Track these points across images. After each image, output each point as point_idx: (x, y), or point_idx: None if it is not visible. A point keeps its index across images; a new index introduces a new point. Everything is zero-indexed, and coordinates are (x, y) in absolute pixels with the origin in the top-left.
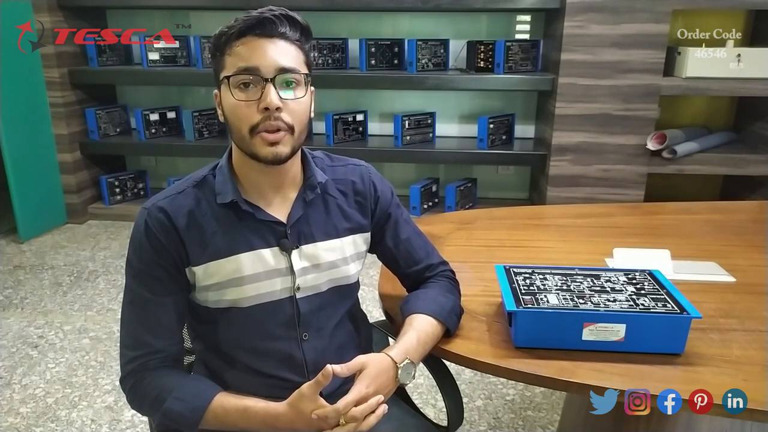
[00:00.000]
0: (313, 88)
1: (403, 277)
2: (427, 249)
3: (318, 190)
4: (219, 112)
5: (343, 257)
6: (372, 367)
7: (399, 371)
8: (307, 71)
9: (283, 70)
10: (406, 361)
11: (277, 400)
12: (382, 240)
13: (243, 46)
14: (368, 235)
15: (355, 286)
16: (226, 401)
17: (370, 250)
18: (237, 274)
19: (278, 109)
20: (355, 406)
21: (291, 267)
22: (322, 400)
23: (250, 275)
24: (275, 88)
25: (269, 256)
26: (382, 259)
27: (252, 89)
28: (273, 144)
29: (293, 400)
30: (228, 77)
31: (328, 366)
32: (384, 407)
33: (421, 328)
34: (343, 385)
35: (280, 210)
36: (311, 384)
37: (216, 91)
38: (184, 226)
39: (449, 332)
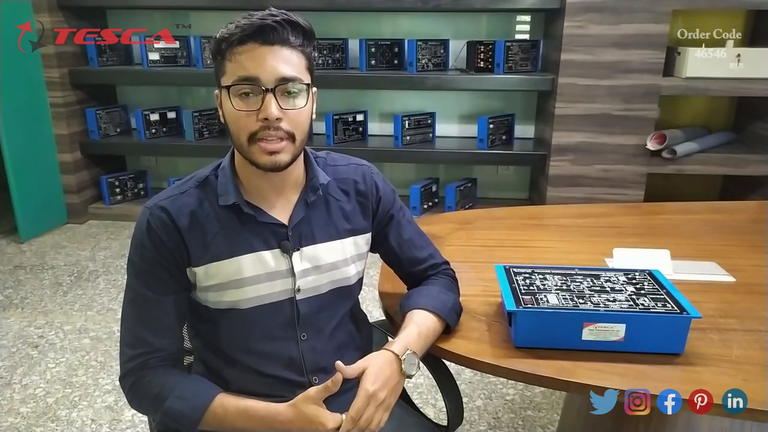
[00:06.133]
0: (315, 89)
1: (405, 277)
2: (429, 249)
3: (320, 191)
4: (220, 113)
5: (343, 258)
6: (374, 365)
7: (403, 363)
8: (309, 78)
9: (284, 80)
10: (408, 352)
11: (277, 399)
12: (385, 241)
13: (243, 54)
14: (369, 236)
15: (356, 287)
16: (226, 401)
17: (373, 250)
18: (237, 275)
19: (278, 119)
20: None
21: (292, 269)
22: (324, 408)
23: (251, 277)
24: (275, 99)
25: (270, 258)
26: (384, 259)
27: (252, 98)
28: (272, 153)
29: (297, 401)
30: (228, 87)
31: (339, 374)
32: (390, 400)
33: (421, 322)
34: (343, 384)
35: (281, 212)
36: (319, 389)
37: (217, 91)
38: (186, 226)
39: (448, 329)
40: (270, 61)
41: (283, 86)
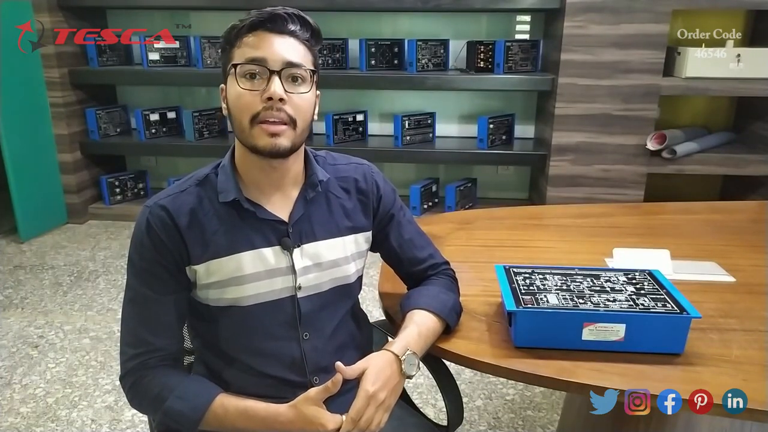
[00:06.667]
0: (319, 91)
1: (405, 276)
2: (429, 249)
3: (319, 188)
4: (223, 106)
5: (344, 256)
6: (374, 366)
7: (403, 363)
8: (313, 69)
9: (290, 65)
10: (409, 352)
11: (278, 400)
12: (386, 240)
13: (253, 38)
14: (369, 234)
15: (356, 285)
16: (226, 401)
17: (373, 249)
18: (238, 272)
19: (281, 100)
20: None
21: (292, 266)
22: (325, 409)
23: (251, 274)
24: (281, 81)
25: (270, 255)
26: (385, 258)
27: (258, 80)
28: (273, 135)
29: (298, 402)
30: (235, 65)
31: (339, 375)
32: (390, 401)
33: (421, 322)
34: (343, 385)
35: (282, 208)
36: (320, 390)
37: (222, 85)
38: (185, 224)
39: (448, 329)
40: (277, 46)
41: (288, 70)
